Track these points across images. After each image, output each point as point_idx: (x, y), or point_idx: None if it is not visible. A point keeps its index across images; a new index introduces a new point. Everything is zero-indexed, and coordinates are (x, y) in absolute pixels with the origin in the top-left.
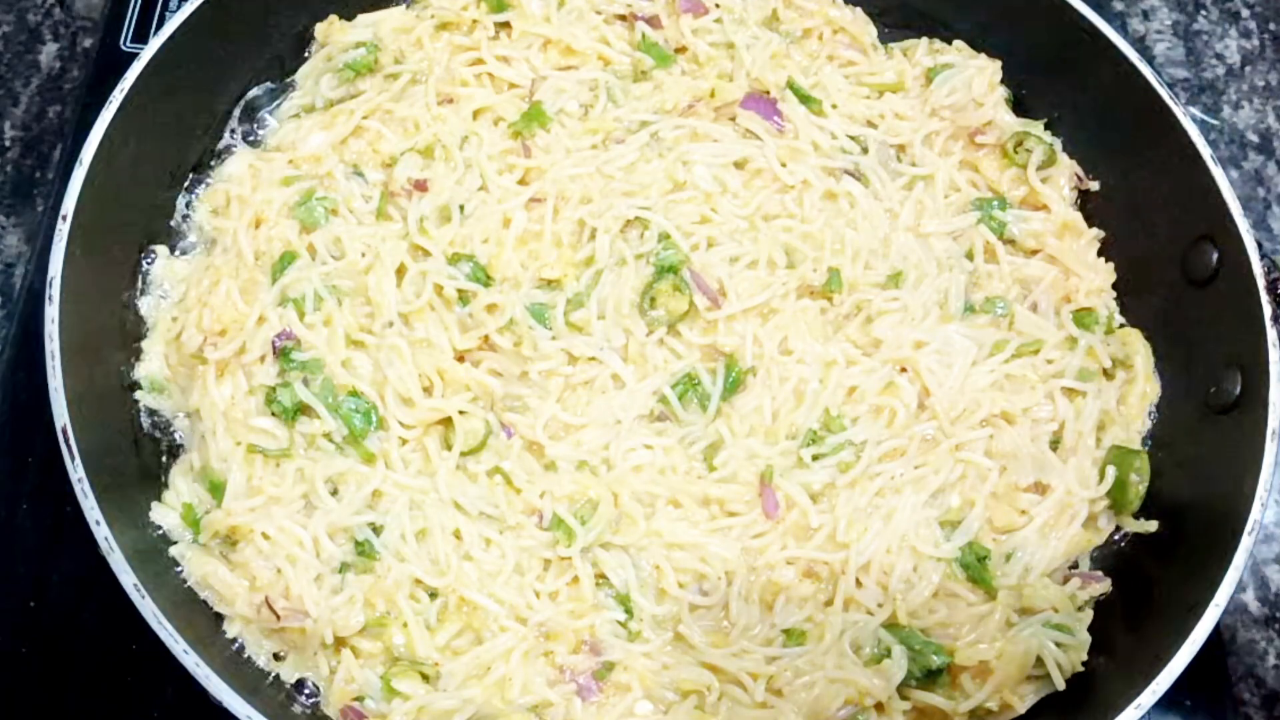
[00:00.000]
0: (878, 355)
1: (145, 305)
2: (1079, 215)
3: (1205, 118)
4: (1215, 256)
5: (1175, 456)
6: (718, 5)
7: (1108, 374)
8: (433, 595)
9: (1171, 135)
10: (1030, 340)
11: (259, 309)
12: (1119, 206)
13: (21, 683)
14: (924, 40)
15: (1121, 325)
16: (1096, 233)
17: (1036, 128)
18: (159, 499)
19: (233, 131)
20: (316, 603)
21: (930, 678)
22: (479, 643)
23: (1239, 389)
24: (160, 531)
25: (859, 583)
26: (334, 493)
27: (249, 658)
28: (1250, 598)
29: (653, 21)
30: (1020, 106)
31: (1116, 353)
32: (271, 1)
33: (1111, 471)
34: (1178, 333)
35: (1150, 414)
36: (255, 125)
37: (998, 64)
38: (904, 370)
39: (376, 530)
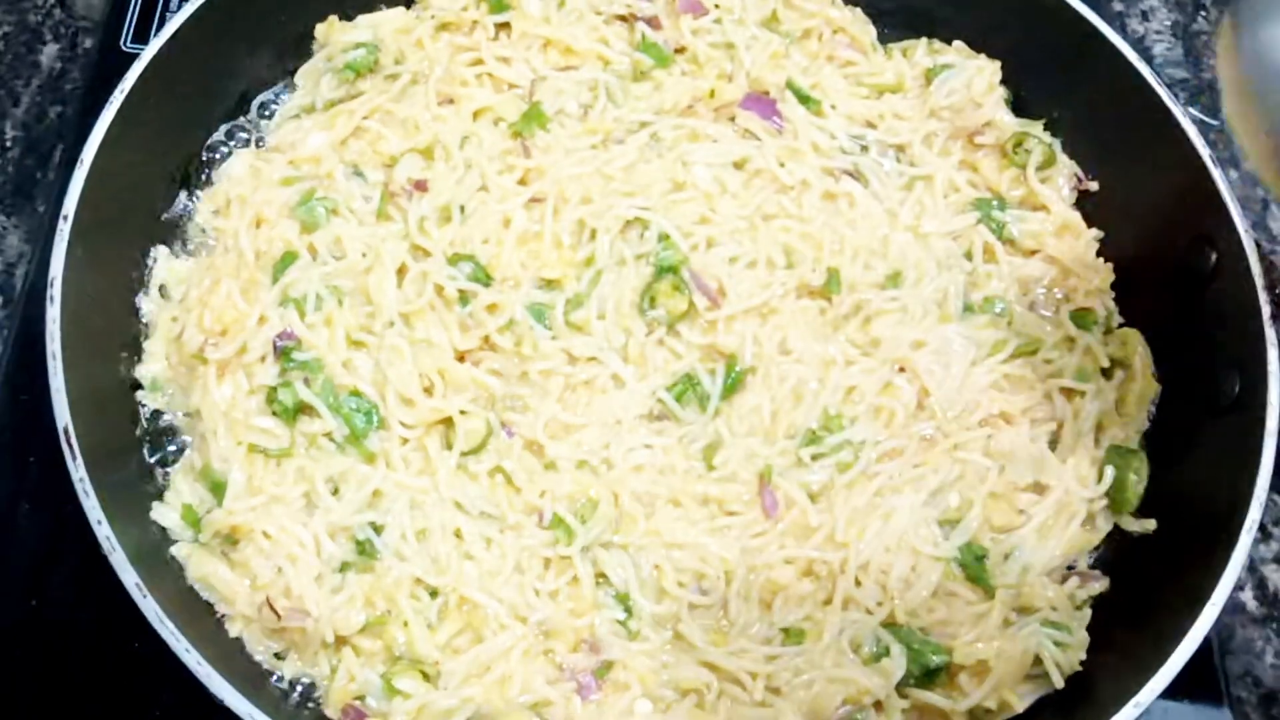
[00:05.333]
0: (877, 355)
1: (145, 305)
2: (1078, 215)
3: (1205, 118)
4: (1215, 256)
5: (1175, 456)
6: (717, 5)
7: (1106, 374)
8: (433, 594)
9: (1171, 135)
10: (1029, 340)
11: (260, 309)
12: (1119, 206)
13: (21, 683)
14: (924, 40)
15: (1120, 325)
16: (1096, 233)
17: (1036, 128)
18: (160, 499)
19: (233, 131)
20: (317, 602)
21: (929, 677)
22: (479, 641)
23: (1238, 389)
24: (161, 531)
25: (858, 582)
26: (335, 492)
27: (250, 657)
28: (1248, 597)
29: (652, 22)
30: (1020, 106)
31: (1115, 352)
32: (271, 1)
33: (1110, 471)
34: (1177, 333)
35: (1149, 414)
36: (255, 125)
37: (997, 64)
38: (903, 370)
39: (377, 529)
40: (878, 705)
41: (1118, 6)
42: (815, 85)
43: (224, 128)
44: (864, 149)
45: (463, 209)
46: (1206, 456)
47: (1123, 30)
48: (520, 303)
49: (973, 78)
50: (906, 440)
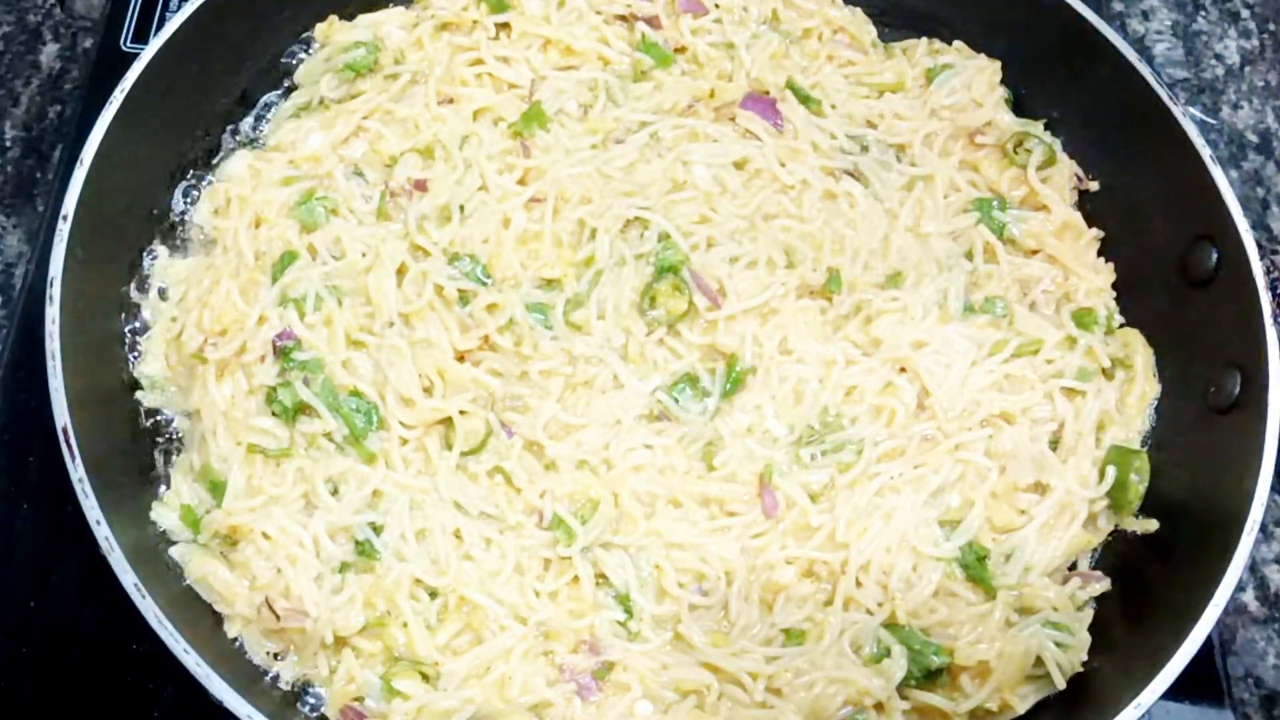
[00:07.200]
0: (877, 355)
1: (145, 305)
2: (1079, 215)
3: (1205, 118)
4: (1215, 256)
5: (1175, 456)
6: (717, 5)
7: (1107, 374)
8: (433, 595)
9: (1171, 135)
10: (1030, 340)
11: (259, 309)
12: (1119, 206)
13: (21, 683)
14: (924, 40)
15: (1121, 325)
16: (1096, 233)
17: (1036, 128)
18: (159, 499)
19: (233, 131)
20: (316, 603)
21: (930, 677)
22: (479, 642)
23: (1239, 389)
24: (160, 531)
25: (859, 582)
26: (334, 492)
27: (249, 657)
28: (1250, 598)
29: (652, 21)
30: (1020, 106)
31: (1116, 352)
32: (272, 1)
33: (1111, 471)
34: (1178, 333)
35: (1150, 414)
36: (255, 125)
37: (997, 64)
38: (903, 370)
39: (377, 530)
40: (879, 706)
41: (1118, 6)
42: (815, 85)
43: (224, 127)
44: (864, 149)
45: (462, 209)
46: (1207, 456)
47: (1123, 30)
48: (520, 303)
49: (973, 78)
50: (907, 440)
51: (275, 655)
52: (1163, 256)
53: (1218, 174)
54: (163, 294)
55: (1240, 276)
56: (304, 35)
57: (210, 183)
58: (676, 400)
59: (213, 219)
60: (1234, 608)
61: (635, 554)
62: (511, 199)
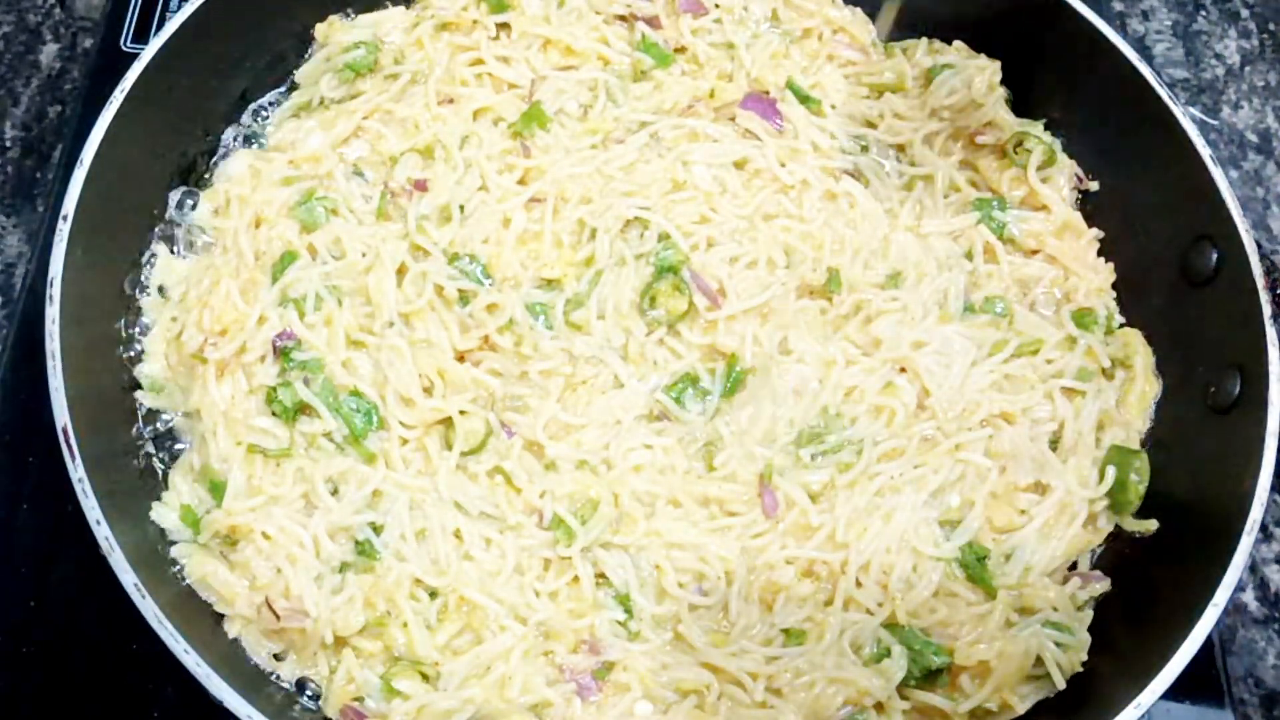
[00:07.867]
0: (877, 355)
1: (145, 305)
2: (1079, 215)
3: (1205, 118)
4: (1215, 256)
5: (1175, 456)
6: (717, 5)
7: (1107, 374)
8: (433, 595)
9: (1171, 135)
10: (1030, 340)
11: (259, 309)
12: (1119, 206)
13: (21, 683)
14: (924, 40)
15: (1121, 325)
16: (1096, 233)
17: (1036, 128)
18: (159, 499)
19: (233, 131)
20: (316, 602)
21: (930, 678)
22: (479, 642)
23: (1239, 389)
24: (160, 531)
25: (859, 582)
26: (334, 492)
27: (249, 658)
28: (1250, 598)
29: (652, 22)
30: (1020, 106)
31: (1116, 353)
32: (271, 1)
33: (1111, 471)
34: (1178, 333)
35: (1150, 414)
36: (255, 125)
37: (997, 64)
38: (903, 370)
39: (377, 530)
40: (879, 706)
41: (1118, 6)
42: (815, 85)
43: (224, 127)
44: (864, 149)
45: (462, 209)
46: (1207, 456)
47: (1123, 30)
48: (520, 303)
49: (973, 77)
50: (907, 440)
51: (275, 655)
52: (1163, 256)
53: (1218, 174)
54: (163, 294)
55: (1240, 276)
56: (304, 35)
57: (210, 183)
58: (676, 400)
59: (213, 219)
60: (1234, 608)
61: (635, 554)
62: (511, 199)
